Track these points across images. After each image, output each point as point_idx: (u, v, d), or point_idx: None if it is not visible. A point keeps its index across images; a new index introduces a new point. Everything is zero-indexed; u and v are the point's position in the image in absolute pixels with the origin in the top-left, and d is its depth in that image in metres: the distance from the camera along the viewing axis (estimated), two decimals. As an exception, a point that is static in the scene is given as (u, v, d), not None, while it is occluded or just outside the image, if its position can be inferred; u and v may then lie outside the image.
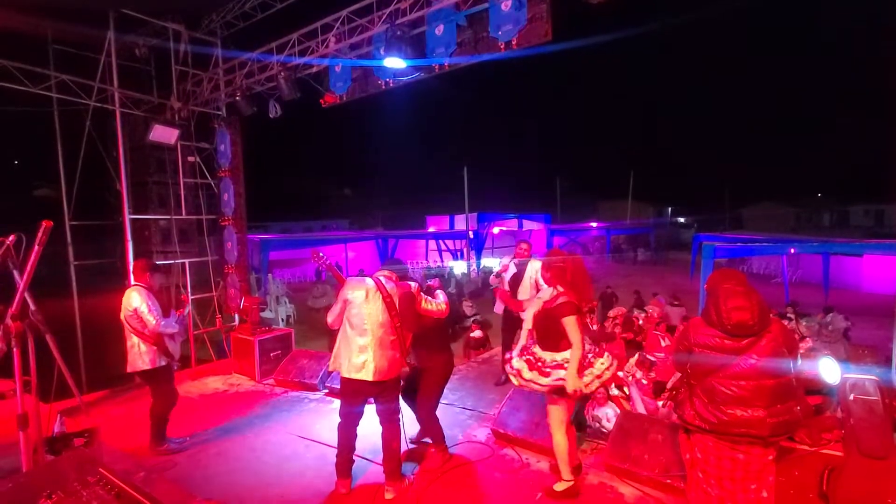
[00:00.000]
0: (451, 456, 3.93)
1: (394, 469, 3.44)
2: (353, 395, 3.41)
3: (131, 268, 4.32)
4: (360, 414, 3.50)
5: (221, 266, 7.64)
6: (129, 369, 4.09)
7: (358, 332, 3.30)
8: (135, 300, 3.98)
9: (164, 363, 4.07)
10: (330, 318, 3.46)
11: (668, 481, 3.31)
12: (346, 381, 3.38)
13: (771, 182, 46.32)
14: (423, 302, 3.55)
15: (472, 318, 10.89)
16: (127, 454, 4.06)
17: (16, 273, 2.23)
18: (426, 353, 3.80)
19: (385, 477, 3.45)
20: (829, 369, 3.68)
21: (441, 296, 3.71)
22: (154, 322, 3.94)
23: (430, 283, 3.89)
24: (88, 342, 6.68)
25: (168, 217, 7.24)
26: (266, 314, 10.27)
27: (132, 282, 4.17)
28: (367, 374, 3.27)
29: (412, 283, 3.54)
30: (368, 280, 3.41)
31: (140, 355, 4.00)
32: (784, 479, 3.01)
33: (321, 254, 3.86)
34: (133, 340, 4.02)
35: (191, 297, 7.35)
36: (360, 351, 3.29)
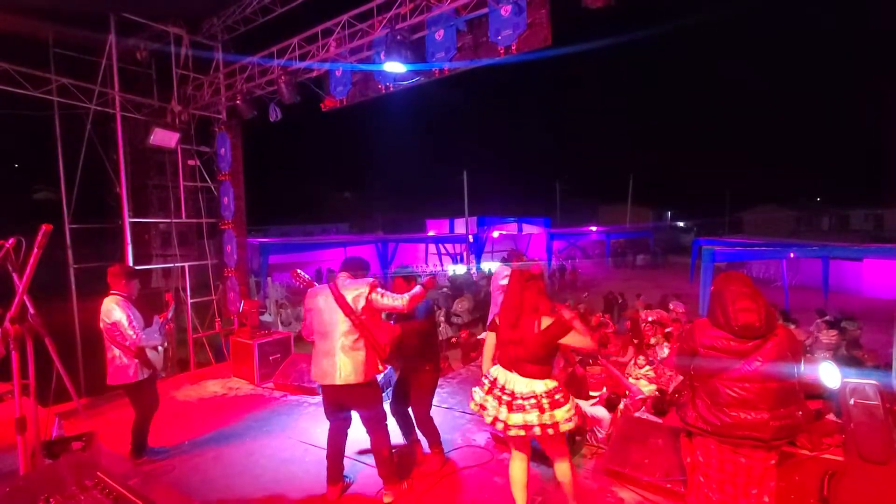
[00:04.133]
0: (447, 459, 3.94)
1: (389, 474, 3.42)
2: (329, 402, 3.41)
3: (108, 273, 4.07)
4: (345, 420, 3.49)
5: (221, 270, 7.64)
6: (109, 381, 3.92)
7: (321, 337, 3.32)
8: (115, 313, 3.79)
9: (146, 375, 3.92)
10: (305, 332, 3.51)
11: (669, 486, 3.30)
12: (322, 389, 3.43)
13: (771, 186, 46.47)
14: (377, 295, 3.30)
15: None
16: (125, 458, 4.05)
17: (15, 276, 2.23)
18: (412, 361, 3.83)
19: (382, 482, 3.44)
20: (829, 374, 3.68)
21: (407, 294, 3.42)
22: (135, 336, 3.77)
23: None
24: (87, 346, 6.65)
25: (168, 220, 7.25)
26: (265, 318, 10.26)
27: (110, 290, 3.95)
28: (333, 378, 3.24)
29: (369, 279, 3.39)
30: (327, 286, 3.40)
31: (122, 368, 3.84)
32: (784, 484, 3.00)
33: (299, 271, 3.88)
34: (114, 352, 3.85)
35: (190, 301, 7.34)
36: (325, 356, 3.28)
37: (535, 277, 2.87)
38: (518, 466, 3.01)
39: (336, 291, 3.29)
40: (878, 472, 2.82)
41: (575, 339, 2.75)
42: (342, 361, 3.23)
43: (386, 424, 3.47)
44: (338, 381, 3.23)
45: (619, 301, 12.19)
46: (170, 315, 4.33)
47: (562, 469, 2.96)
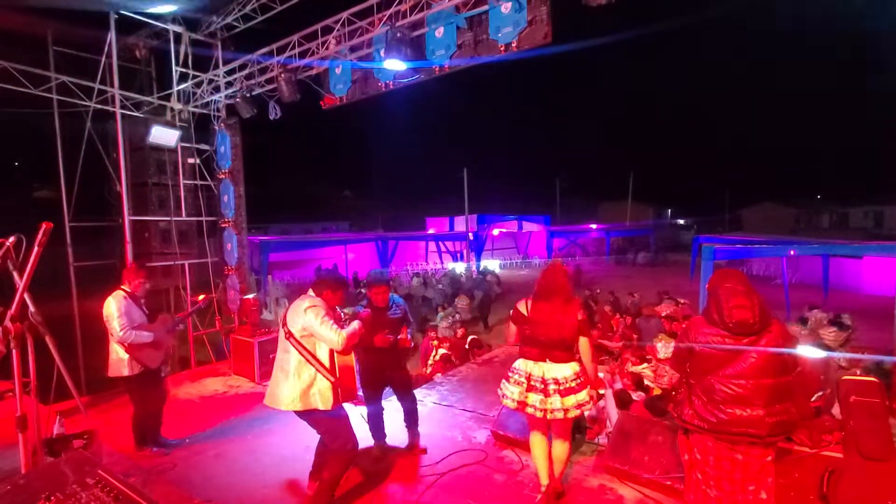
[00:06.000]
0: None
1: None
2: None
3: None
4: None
5: (221, 268, 7.65)
6: (108, 374, 4.03)
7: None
8: (108, 308, 3.88)
9: (138, 371, 3.96)
10: None
11: (668, 483, 3.31)
12: None
13: (770, 183, 46.47)
14: (313, 319, 2.91)
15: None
16: (126, 456, 4.06)
17: (15, 274, 2.23)
18: (391, 357, 3.89)
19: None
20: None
21: (348, 329, 2.99)
22: (119, 331, 3.81)
23: (359, 311, 3.55)
24: (88, 344, 6.67)
25: (168, 218, 7.24)
26: (265, 316, 10.27)
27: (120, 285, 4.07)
28: (270, 399, 3.05)
29: (317, 300, 3.03)
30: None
31: (116, 362, 3.95)
32: (784, 481, 3.01)
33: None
34: (112, 346, 3.95)
35: (190, 299, 7.34)
36: (274, 371, 3.12)
37: (570, 277, 3.18)
38: (540, 441, 3.19)
39: (285, 314, 3.06)
40: (877, 470, 2.82)
41: (584, 346, 3.07)
42: (277, 382, 3.01)
43: (345, 457, 3.10)
44: (266, 402, 3.04)
45: (630, 301, 12.16)
46: (186, 314, 4.73)
47: (563, 448, 3.18)
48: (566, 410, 2.95)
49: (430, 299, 14.26)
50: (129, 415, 4.17)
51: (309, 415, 3.02)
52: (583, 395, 2.99)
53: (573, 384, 2.98)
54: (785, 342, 2.44)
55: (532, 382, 3.03)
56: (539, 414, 2.99)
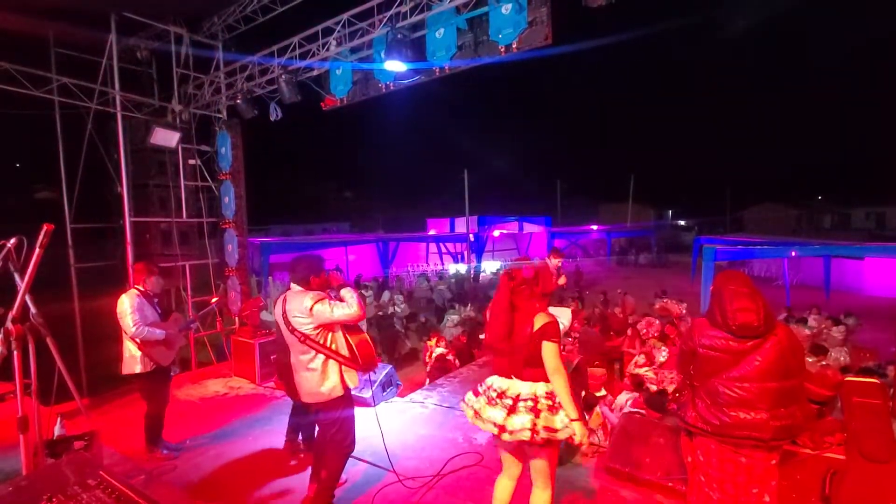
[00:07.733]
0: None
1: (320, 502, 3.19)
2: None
3: (131, 271, 4.31)
4: (312, 425, 3.59)
5: (222, 269, 7.64)
6: (122, 371, 4.11)
7: (288, 349, 3.21)
8: (121, 305, 3.98)
9: (150, 368, 4.04)
10: None
11: (670, 484, 3.31)
12: None
13: (772, 184, 46.45)
14: (324, 308, 2.94)
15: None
16: (127, 457, 4.07)
17: (17, 276, 2.23)
18: None
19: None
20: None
21: (351, 297, 3.02)
22: (131, 327, 3.90)
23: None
24: (89, 345, 6.66)
25: (169, 220, 7.24)
26: (266, 317, 10.25)
27: (132, 284, 4.19)
28: (298, 395, 3.23)
29: (316, 293, 3.03)
30: (283, 296, 3.17)
31: (129, 359, 4.03)
32: (786, 483, 3.00)
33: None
34: (126, 344, 4.05)
35: (191, 300, 7.35)
36: (293, 371, 3.19)
37: (527, 281, 2.61)
38: (505, 485, 2.76)
39: (283, 306, 3.06)
40: (879, 471, 2.81)
41: (550, 351, 2.47)
42: (302, 378, 3.13)
43: (343, 452, 3.19)
44: (306, 399, 3.20)
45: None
46: (199, 315, 4.87)
47: (539, 498, 2.62)
48: (504, 430, 2.46)
49: (433, 300, 14.25)
50: (131, 416, 4.21)
51: (333, 403, 3.10)
52: (539, 419, 2.42)
53: (524, 405, 2.48)
54: (790, 345, 2.42)
55: (491, 393, 2.62)
56: (485, 427, 2.59)
